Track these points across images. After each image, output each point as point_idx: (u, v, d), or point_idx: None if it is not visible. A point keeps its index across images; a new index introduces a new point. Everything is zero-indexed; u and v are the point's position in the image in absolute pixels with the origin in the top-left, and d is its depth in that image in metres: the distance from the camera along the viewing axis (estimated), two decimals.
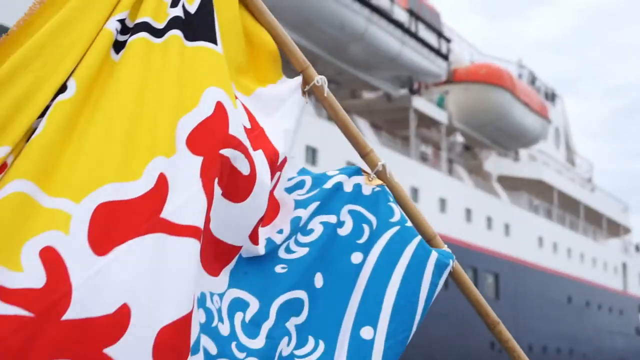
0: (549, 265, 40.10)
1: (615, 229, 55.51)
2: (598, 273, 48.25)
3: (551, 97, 49.46)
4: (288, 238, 2.13)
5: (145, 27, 1.86)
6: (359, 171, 2.35)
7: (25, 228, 1.57)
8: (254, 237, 2.00)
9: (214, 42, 1.91)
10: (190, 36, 1.90)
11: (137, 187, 1.67)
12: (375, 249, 2.21)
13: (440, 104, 37.30)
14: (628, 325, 52.03)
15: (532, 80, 46.26)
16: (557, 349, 37.94)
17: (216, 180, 1.77)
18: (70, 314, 1.53)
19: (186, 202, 1.69)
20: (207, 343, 1.84)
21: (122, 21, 1.85)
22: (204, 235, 1.74)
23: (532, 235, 39.32)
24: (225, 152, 1.81)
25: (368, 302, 2.15)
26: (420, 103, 34.95)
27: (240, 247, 1.98)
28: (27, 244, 1.56)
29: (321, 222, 2.19)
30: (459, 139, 37.90)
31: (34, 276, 1.53)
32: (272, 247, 2.08)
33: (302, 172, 2.31)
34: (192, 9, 1.91)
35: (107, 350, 1.54)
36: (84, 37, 1.76)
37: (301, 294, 2.09)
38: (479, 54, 43.16)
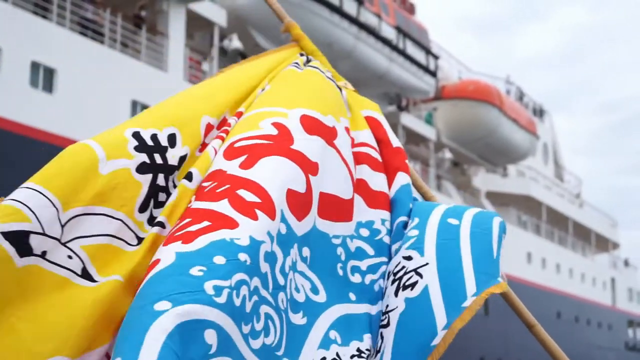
0: (538, 281, 40.19)
1: (604, 244, 55.64)
2: (587, 288, 48.35)
3: (539, 113, 49.68)
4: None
5: (314, 66, 3.06)
6: None
7: (262, 119, 2.56)
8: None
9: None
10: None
11: (325, 120, 2.68)
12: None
13: (429, 120, 37.43)
14: (617, 340, 52.11)
15: (520, 96, 46.48)
16: None
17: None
18: (294, 147, 2.47)
19: (344, 145, 2.76)
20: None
21: (296, 64, 3.05)
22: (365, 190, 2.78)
23: (521, 250, 39.41)
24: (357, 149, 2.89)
25: (450, 211, 2.72)
26: (409, 120, 35.06)
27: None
28: (263, 120, 2.54)
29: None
30: (448, 155, 38.03)
31: (269, 130, 2.50)
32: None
33: None
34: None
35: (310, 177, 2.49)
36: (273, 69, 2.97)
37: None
38: (467, 71, 43.38)
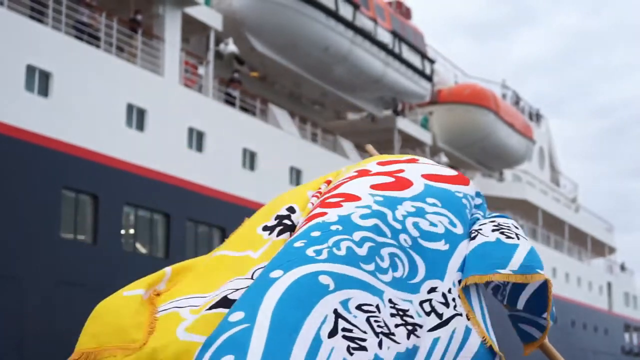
0: None
1: (600, 248, 55.66)
2: (583, 293, 48.34)
3: (535, 117, 49.72)
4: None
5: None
6: None
7: (346, 173, 3.20)
8: None
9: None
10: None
11: (401, 158, 3.19)
12: None
13: (425, 124, 37.44)
14: (613, 345, 52.09)
15: (516, 100, 46.52)
16: None
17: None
18: (372, 172, 3.05)
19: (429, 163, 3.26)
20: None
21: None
22: None
23: None
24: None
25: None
26: (405, 124, 35.07)
27: None
28: (347, 173, 3.15)
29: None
30: (444, 159, 37.99)
31: (350, 174, 3.09)
32: None
33: None
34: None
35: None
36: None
37: None
38: (463, 75, 43.40)
